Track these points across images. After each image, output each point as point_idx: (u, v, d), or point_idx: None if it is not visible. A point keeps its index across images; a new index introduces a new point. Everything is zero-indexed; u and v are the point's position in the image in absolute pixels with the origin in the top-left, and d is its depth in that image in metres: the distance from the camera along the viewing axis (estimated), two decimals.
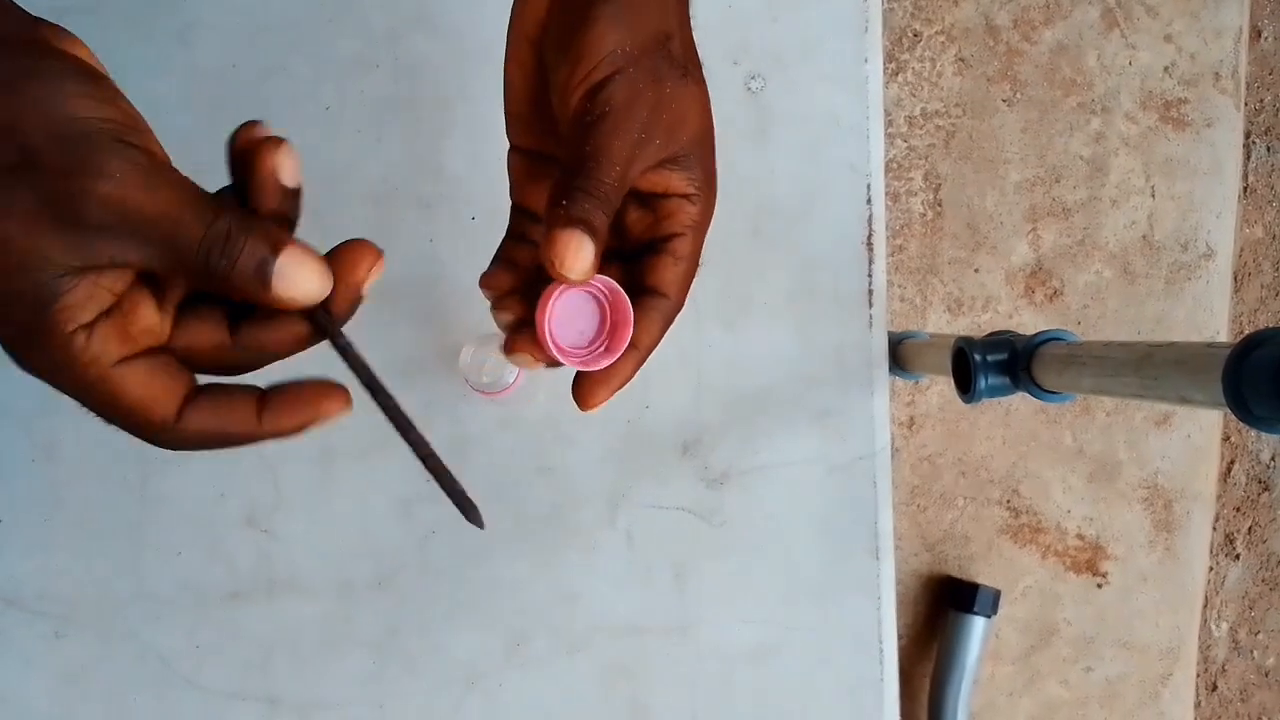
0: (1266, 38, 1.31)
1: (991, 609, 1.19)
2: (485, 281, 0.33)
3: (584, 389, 0.32)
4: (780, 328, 0.55)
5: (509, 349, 0.31)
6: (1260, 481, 1.32)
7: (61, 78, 0.24)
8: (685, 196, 0.31)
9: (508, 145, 0.34)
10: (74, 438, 0.53)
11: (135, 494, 0.53)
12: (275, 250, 0.25)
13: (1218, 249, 1.27)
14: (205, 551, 0.53)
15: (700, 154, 0.31)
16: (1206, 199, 1.26)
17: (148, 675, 0.53)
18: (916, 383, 1.21)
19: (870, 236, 0.55)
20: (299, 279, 0.25)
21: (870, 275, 0.55)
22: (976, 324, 1.24)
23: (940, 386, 1.23)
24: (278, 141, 0.27)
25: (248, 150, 0.27)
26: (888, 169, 1.21)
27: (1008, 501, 1.25)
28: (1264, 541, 1.32)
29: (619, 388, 0.32)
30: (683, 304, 0.32)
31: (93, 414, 0.27)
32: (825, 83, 0.55)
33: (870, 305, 0.55)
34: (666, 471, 0.54)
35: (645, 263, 0.32)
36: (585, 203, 0.28)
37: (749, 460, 0.55)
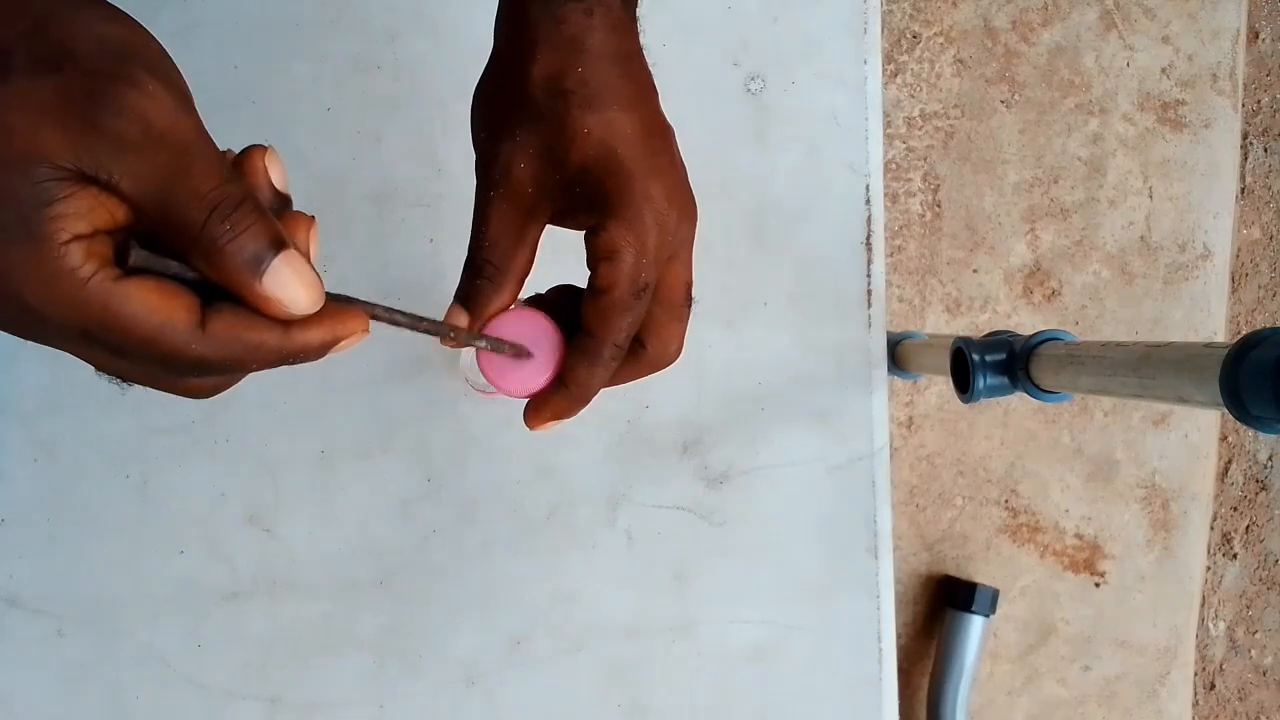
0: (1264, 39, 1.31)
1: (990, 608, 1.19)
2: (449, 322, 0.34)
3: (525, 411, 0.33)
4: (779, 328, 0.55)
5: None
6: (1258, 481, 1.32)
7: (112, 5, 0.23)
8: (604, 256, 0.30)
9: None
10: (75, 437, 0.53)
11: (136, 493, 0.53)
12: (278, 247, 0.23)
13: (1215, 250, 1.27)
14: (206, 551, 0.53)
15: (619, 200, 0.30)
16: (1204, 200, 1.27)
17: (148, 674, 0.53)
18: (915, 383, 1.22)
19: (869, 237, 0.55)
20: (292, 284, 0.24)
21: (869, 276, 0.55)
22: (975, 324, 1.24)
23: (939, 386, 1.23)
24: (264, 149, 0.26)
25: (238, 158, 0.26)
26: (886, 170, 1.21)
27: (1006, 501, 1.25)
28: (1261, 541, 1.32)
29: (552, 417, 0.32)
30: (621, 345, 0.31)
31: (99, 354, 0.23)
32: (824, 84, 0.55)
33: (869, 305, 0.55)
34: (666, 471, 0.54)
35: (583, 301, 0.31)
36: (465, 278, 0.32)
37: (749, 460, 0.55)
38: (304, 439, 0.53)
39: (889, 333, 0.58)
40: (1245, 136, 1.30)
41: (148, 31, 0.24)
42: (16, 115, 0.21)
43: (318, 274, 0.25)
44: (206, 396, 0.26)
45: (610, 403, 0.54)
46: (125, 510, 0.53)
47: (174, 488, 0.53)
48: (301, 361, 0.25)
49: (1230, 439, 1.31)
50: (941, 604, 1.23)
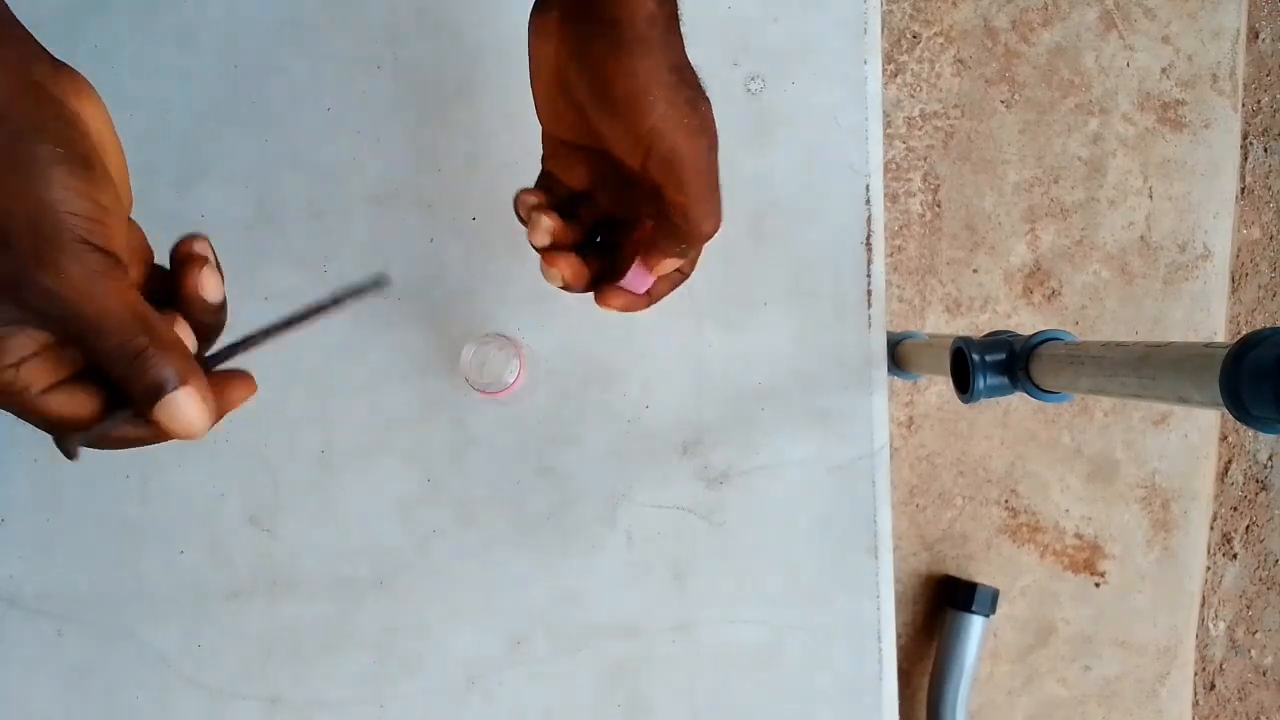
0: (1264, 39, 1.31)
1: (990, 608, 1.19)
2: (522, 197, 0.40)
3: (605, 294, 0.41)
4: (779, 328, 0.55)
5: (547, 264, 0.39)
6: (1258, 481, 1.32)
7: (49, 164, 0.27)
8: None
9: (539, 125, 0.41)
10: None
11: (136, 494, 0.53)
12: (181, 381, 0.29)
13: (1215, 249, 1.27)
14: (206, 551, 0.53)
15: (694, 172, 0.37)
16: (1204, 200, 1.27)
17: (148, 674, 0.53)
18: (915, 383, 1.22)
19: (869, 237, 0.55)
20: (182, 414, 0.29)
21: (869, 276, 0.55)
22: (975, 324, 1.24)
23: (939, 386, 1.23)
24: (203, 260, 0.32)
25: (180, 262, 0.32)
26: (886, 170, 1.21)
27: (1006, 501, 1.25)
28: (1261, 541, 1.32)
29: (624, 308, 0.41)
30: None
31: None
32: (824, 84, 0.55)
33: (869, 305, 0.55)
34: (666, 471, 0.55)
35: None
36: (674, 250, 0.39)
37: (748, 460, 0.55)
38: (304, 439, 0.53)
39: (889, 333, 0.58)
40: (1245, 136, 1.30)
41: (81, 188, 0.28)
42: None
43: (212, 404, 0.30)
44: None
45: (610, 402, 0.54)
46: (125, 510, 0.53)
47: (174, 488, 0.53)
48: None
49: (1230, 439, 1.31)
50: (941, 604, 1.23)
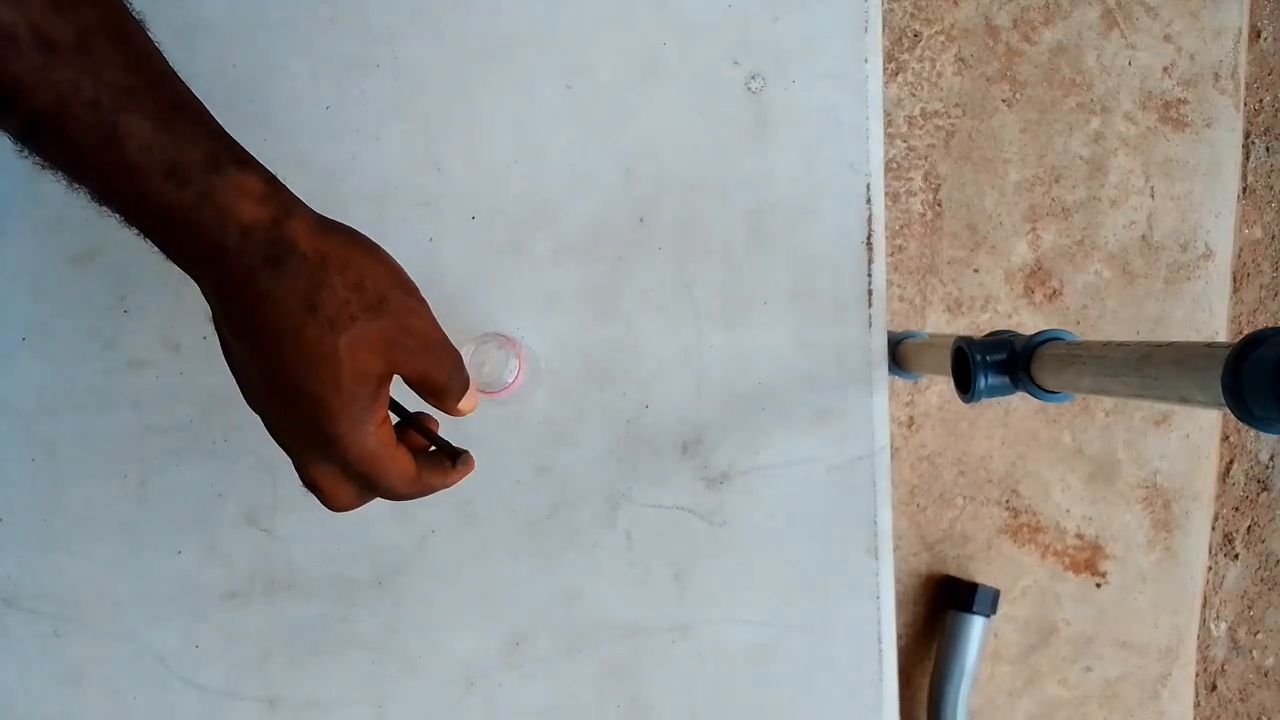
0: (1266, 38, 1.31)
1: (991, 608, 1.19)
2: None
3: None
4: (780, 327, 0.55)
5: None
6: (1259, 481, 1.32)
7: (373, 244, 0.37)
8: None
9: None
10: (73, 437, 0.53)
11: (134, 494, 0.53)
12: (467, 387, 0.40)
13: (1217, 249, 1.27)
14: (204, 551, 0.53)
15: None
16: (1206, 199, 1.26)
17: (146, 675, 0.53)
18: (916, 382, 1.21)
19: (870, 236, 0.55)
20: (468, 405, 0.40)
21: (870, 275, 0.55)
22: (976, 324, 1.24)
23: (940, 386, 1.23)
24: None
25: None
26: (887, 169, 1.21)
27: (1007, 501, 1.25)
28: (1263, 541, 1.32)
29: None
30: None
31: (360, 480, 0.37)
32: (825, 83, 0.55)
33: (870, 305, 0.55)
34: (666, 471, 0.54)
35: None
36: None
37: (749, 460, 0.55)
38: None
39: (890, 332, 0.58)
40: (1247, 136, 1.30)
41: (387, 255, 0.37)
42: (363, 352, 0.35)
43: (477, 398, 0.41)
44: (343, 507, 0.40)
45: (610, 402, 0.54)
46: (123, 510, 0.53)
47: (172, 488, 0.53)
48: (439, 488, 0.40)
49: (1231, 439, 1.31)
50: (942, 604, 1.23)
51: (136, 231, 0.33)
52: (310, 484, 0.38)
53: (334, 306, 0.34)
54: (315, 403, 0.34)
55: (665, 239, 0.54)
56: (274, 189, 0.34)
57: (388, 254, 0.37)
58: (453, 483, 0.40)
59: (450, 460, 0.41)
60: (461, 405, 0.40)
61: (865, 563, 0.55)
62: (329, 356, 0.34)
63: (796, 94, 0.55)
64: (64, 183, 0.33)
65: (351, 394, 0.35)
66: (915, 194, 1.23)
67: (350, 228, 0.36)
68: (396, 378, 0.38)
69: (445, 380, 0.38)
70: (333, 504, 0.38)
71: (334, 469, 0.37)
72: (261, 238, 0.33)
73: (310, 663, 0.53)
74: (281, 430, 0.37)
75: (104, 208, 0.33)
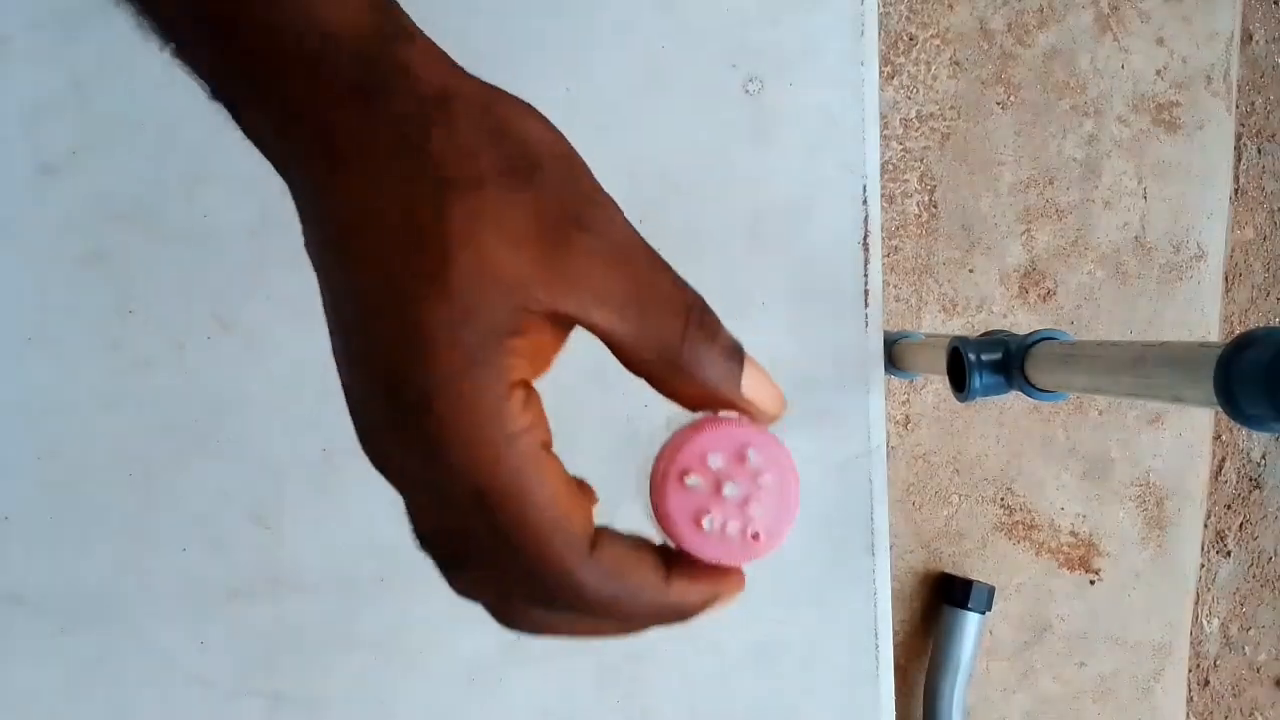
0: (1258, 41, 1.32)
1: (986, 605, 1.20)
2: None
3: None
4: (777, 328, 0.55)
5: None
6: (1251, 479, 1.33)
7: (540, 114, 0.22)
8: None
9: None
10: (79, 437, 0.53)
11: (140, 492, 0.53)
12: (740, 358, 0.22)
13: (1209, 250, 1.28)
14: (209, 549, 0.54)
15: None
16: (1198, 201, 1.27)
17: (152, 672, 0.53)
18: (912, 382, 1.22)
19: (866, 237, 0.55)
20: (764, 387, 0.22)
21: (866, 276, 0.56)
22: (971, 324, 1.25)
23: (935, 385, 1.24)
24: None
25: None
26: (883, 171, 1.21)
27: (1002, 499, 1.26)
28: (1255, 539, 1.33)
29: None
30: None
31: (468, 519, 0.20)
32: (822, 85, 0.55)
33: (866, 305, 0.56)
34: None
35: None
36: None
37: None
38: (306, 437, 0.54)
39: (886, 332, 0.58)
40: (1239, 138, 1.31)
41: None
42: (492, 234, 0.19)
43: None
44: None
45: (610, 401, 0.55)
46: (128, 508, 0.53)
47: (177, 487, 0.54)
48: (659, 624, 0.22)
49: (1224, 437, 1.32)
50: (938, 601, 1.23)
51: (177, 59, 0.22)
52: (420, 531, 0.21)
53: (452, 156, 0.19)
54: (400, 317, 0.19)
55: (664, 240, 0.55)
56: (393, 5, 0.22)
57: (552, 124, 0.22)
58: (671, 603, 0.22)
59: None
60: (749, 389, 0.22)
61: (862, 560, 0.55)
62: (430, 230, 0.19)
63: (794, 96, 0.55)
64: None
65: (465, 306, 0.19)
66: (911, 195, 1.24)
67: (503, 91, 0.22)
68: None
69: (686, 328, 0.21)
70: (454, 584, 0.22)
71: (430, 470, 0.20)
72: (350, 54, 0.20)
73: (314, 660, 0.54)
74: (353, 382, 0.21)
75: (143, 16, 0.21)
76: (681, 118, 0.55)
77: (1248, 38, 1.31)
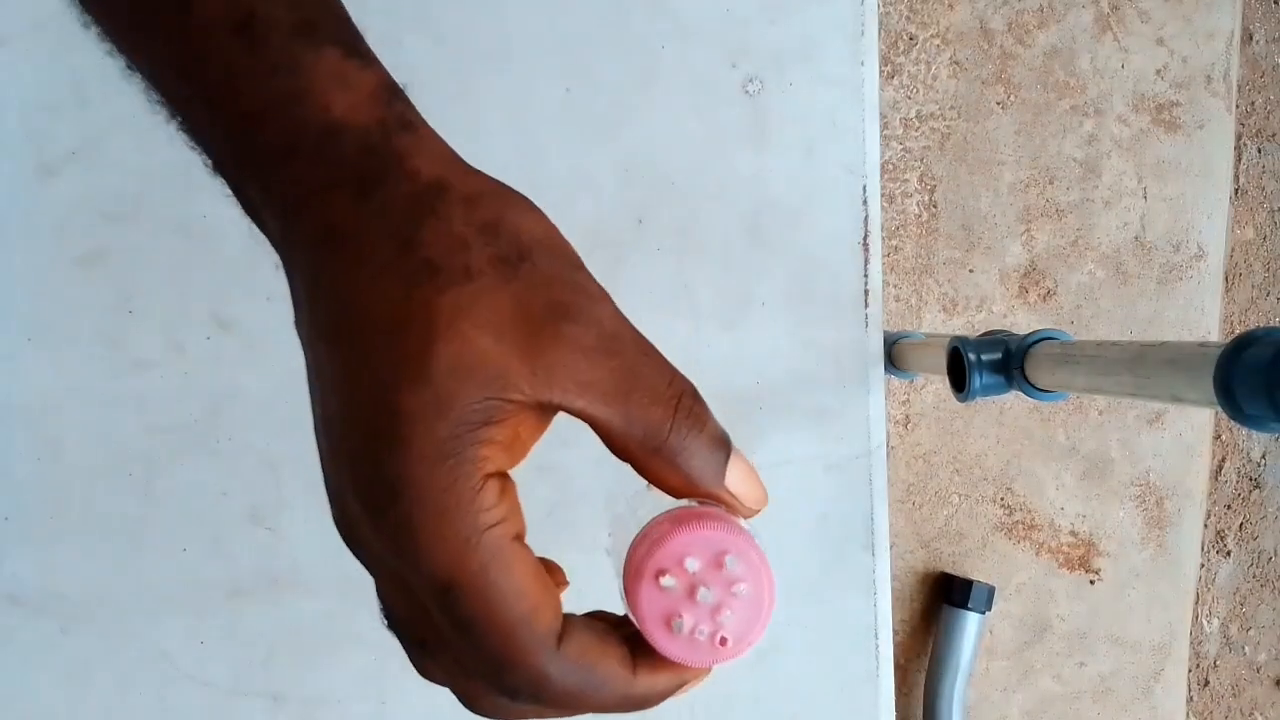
0: (1258, 40, 1.32)
1: (986, 605, 1.20)
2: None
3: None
4: (777, 328, 0.55)
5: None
6: (1251, 479, 1.33)
7: (530, 202, 0.23)
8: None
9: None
10: (78, 435, 0.53)
11: (139, 492, 0.53)
12: (727, 445, 0.22)
13: (1209, 250, 1.28)
14: (208, 549, 0.54)
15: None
16: (1198, 200, 1.27)
17: (152, 672, 0.53)
18: (912, 382, 1.22)
19: (866, 237, 0.56)
20: (748, 481, 0.22)
21: (866, 276, 0.56)
22: (971, 324, 1.25)
23: (935, 385, 1.24)
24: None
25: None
26: (883, 171, 1.21)
27: (1001, 499, 1.26)
28: (1255, 538, 1.33)
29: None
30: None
31: (434, 613, 0.20)
32: (822, 85, 0.55)
33: (866, 305, 0.56)
34: None
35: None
36: None
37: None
38: (306, 437, 0.54)
39: (886, 332, 0.58)
40: (1239, 137, 1.31)
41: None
42: (476, 325, 0.19)
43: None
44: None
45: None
46: (128, 508, 0.53)
47: (177, 486, 0.54)
48: (624, 712, 0.22)
49: (1224, 437, 1.32)
50: (938, 601, 1.24)
51: (183, 132, 0.22)
52: (384, 605, 0.21)
53: (443, 247, 0.20)
54: (377, 403, 0.19)
55: (664, 240, 0.55)
56: (391, 93, 0.22)
57: (547, 217, 0.22)
58: (635, 696, 0.22)
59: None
60: (734, 482, 0.22)
61: (862, 560, 0.55)
62: (415, 318, 0.19)
63: (794, 96, 0.55)
64: (109, 54, 0.23)
65: (442, 396, 0.19)
66: (911, 195, 1.24)
67: (501, 183, 0.23)
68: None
69: (672, 419, 0.21)
70: (420, 668, 0.22)
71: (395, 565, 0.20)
72: (353, 144, 0.21)
73: (314, 659, 0.54)
74: (329, 468, 0.21)
75: (151, 89, 0.22)
76: (681, 118, 0.55)
77: (1248, 37, 1.31)
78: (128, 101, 0.56)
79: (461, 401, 0.19)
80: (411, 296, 0.19)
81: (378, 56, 0.23)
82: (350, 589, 0.54)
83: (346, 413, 0.20)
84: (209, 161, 0.22)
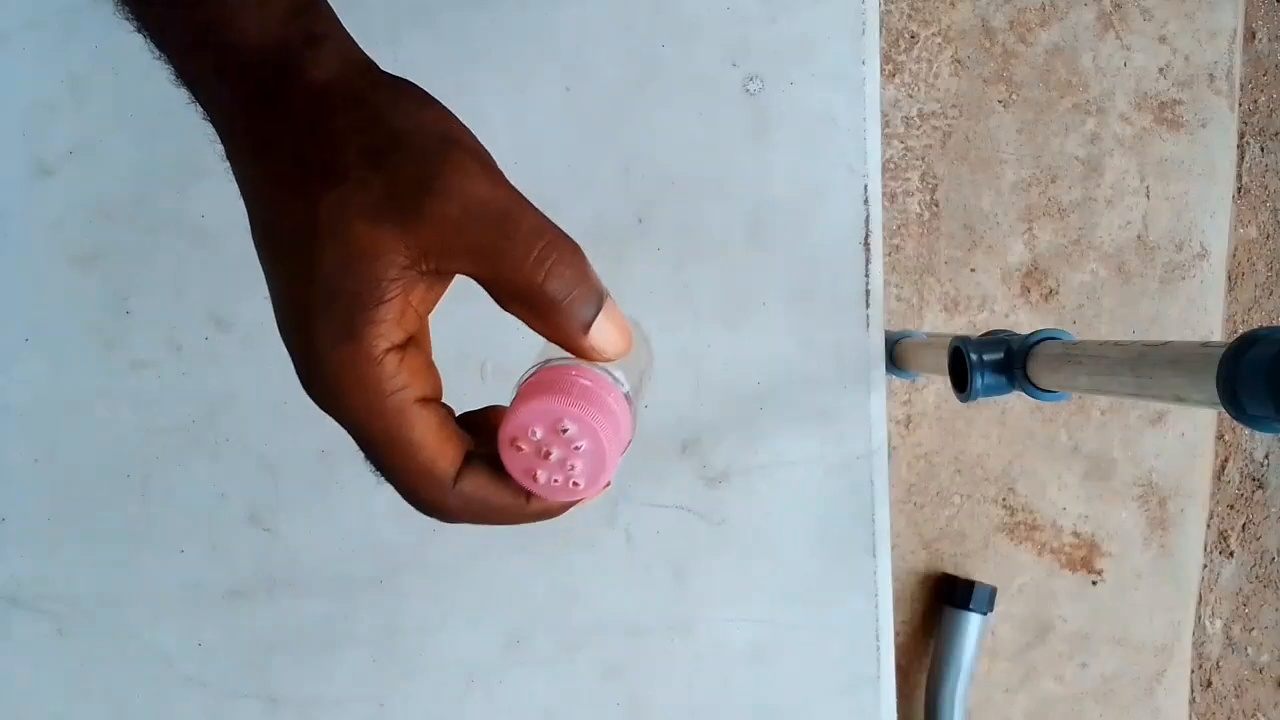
0: (1260, 39, 1.32)
1: (987, 606, 1.20)
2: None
3: None
4: (778, 327, 0.55)
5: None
6: (1254, 479, 1.33)
7: (423, 93, 0.25)
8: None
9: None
10: (76, 436, 0.53)
11: (137, 493, 0.53)
12: (600, 301, 0.25)
13: (1212, 249, 1.28)
14: (207, 550, 0.54)
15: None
16: (1201, 199, 1.27)
17: (149, 673, 0.53)
18: (913, 382, 1.22)
19: (867, 237, 0.55)
20: (611, 335, 0.25)
21: (867, 275, 0.55)
22: (973, 323, 1.25)
23: (937, 385, 1.23)
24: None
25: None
26: (885, 170, 1.21)
27: (1003, 499, 1.25)
28: (1258, 539, 1.33)
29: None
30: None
31: (366, 455, 0.25)
32: (823, 84, 0.55)
33: (867, 305, 0.55)
34: (665, 470, 0.55)
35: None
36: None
37: (747, 459, 0.55)
38: (304, 438, 0.54)
39: (887, 332, 0.58)
40: (1242, 136, 1.31)
41: (450, 112, 0.25)
42: (353, 219, 0.23)
43: (628, 324, 0.26)
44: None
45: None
46: (126, 509, 0.53)
47: (175, 487, 0.53)
48: (528, 523, 0.27)
49: (1227, 437, 1.32)
50: (939, 602, 1.23)
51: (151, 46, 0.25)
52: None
53: (325, 150, 0.23)
54: (291, 302, 0.24)
55: (664, 239, 0.55)
56: (298, 11, 0.24)
57: (449, 111, 0.25)
58: (531, 515, 0.26)
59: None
60: (596, 335, 0.24)
61: (863, 561, 0.55)
62: (303, 226, 0.23)
63: (795, 95, 0.55)
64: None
65: (332, 289, 0.22)
66: (912, 194, 1.24)
67: (416, 86, 0.25)
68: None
69: (540, 276, 0.23)
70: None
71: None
72: (262, 62, 0.24)
73: (312, 661, 0.54)
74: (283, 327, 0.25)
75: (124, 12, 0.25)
76: (682, 116, 0.55)
77: (1250, 35, 1.31)
78: (125, 101, 0.56)
79: (348, 290, 0.23)
80: (303, 201, 0.23)
81: (364, 47, 0.26)
82: (348, 590, 0.54)
83: (279, 313, 0.24)
84: (172, 71, 0.26)
